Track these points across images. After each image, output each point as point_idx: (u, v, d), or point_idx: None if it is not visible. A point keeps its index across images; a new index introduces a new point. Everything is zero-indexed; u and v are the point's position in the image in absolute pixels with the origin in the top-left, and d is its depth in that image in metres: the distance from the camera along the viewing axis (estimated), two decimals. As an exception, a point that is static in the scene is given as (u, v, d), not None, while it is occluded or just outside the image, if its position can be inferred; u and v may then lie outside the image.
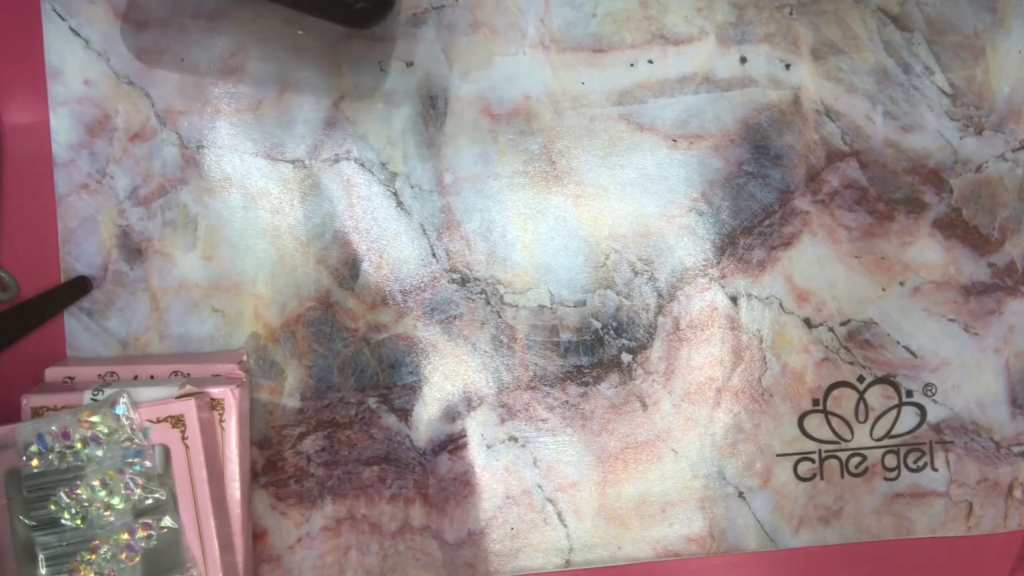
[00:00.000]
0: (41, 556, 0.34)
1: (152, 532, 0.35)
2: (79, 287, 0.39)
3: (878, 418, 0.42)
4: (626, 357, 0.41)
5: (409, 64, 0.40)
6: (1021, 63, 0.41)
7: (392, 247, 0.40)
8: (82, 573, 0.34)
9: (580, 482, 0.41)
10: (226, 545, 0.37)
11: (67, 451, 0.34)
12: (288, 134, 0.40)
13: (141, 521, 0.35)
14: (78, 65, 0.38)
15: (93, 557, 0.34)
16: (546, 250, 0.41)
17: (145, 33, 0.39)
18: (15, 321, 0.38)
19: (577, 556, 0.41)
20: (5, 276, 0.39)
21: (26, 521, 0.34)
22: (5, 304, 0.39)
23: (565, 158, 0.41)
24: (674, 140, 0.41)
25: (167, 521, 0.35)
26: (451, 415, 0.41)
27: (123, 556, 0.34)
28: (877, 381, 0.42)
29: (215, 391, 0.37)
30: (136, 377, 0.38)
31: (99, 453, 0.34)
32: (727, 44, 0.41)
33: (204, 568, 0.36)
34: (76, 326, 0.40)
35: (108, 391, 0.35)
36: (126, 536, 0.34)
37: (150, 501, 0.35)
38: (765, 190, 0.41)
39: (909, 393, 0.42)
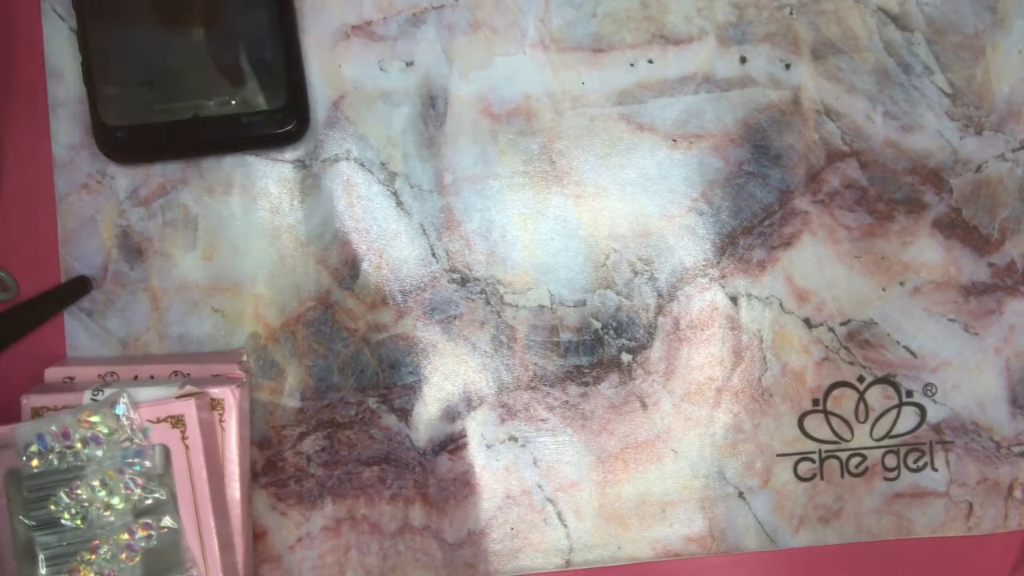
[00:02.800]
0: (41, 556, 0.34)
1: (152, 532, 0.35)
2: (79, 287, 0.39)
3: (878, 418, 0.42)
4: (626, 357, 0.41)
5: (409, 64, 0.40)
6: (1021, 63, 0.41)
7: (392, 247, 0.40)
8: (82, 573, 0.34)
9: (580, 482, 0.41)
10: (226, 545, 0.37)
11: (67, 451, 0.34)
12: (288, 134, 0.40)
13: (141, 521, 0.35)
14: (78, 65, 0.38)
15: (93, 557, 0.34)
16: (546, 250, 0.41)
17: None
18: (15, 321, 0.38)
19: (577, 556, 0.41)
20: (5, 276, 0.39)
21: (26, 521, 0.34)
22: (5, 304, 0.39)
23: (565, 158, 0.41)
24: (674, 140, 0.41)
25: (167, 521, 0.35)
26: (451, 415, 0.41)
27: (123, 556, 0.34)
28: (877, 381, 0.42)
29: (215, 391, 0.37)
30: (136, 377, 0.38)
31: (99, 453, 0.34)
32: (727, 44, 0.41)
33: (204, 568, 0.36)
34: (76, 326, 0.40)
35: (108, 391, 0.35)
36: (126, 536, 0.34)
37: (150, 501, 0.35)
38: (765, 190, 0.41)
39: (909, 393, 0.42)
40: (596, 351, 0.41)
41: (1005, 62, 0.41)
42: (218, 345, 0.40)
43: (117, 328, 0.40)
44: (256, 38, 0.38)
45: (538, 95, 0.40)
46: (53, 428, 0.34)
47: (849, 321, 0.41)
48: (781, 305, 0.41)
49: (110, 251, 0.40)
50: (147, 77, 0.38)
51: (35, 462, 0.34)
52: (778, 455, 0.42)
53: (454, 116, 0.40)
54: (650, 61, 0.41)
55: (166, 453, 0.35)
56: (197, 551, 0.36)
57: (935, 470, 0.42)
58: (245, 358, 0.40)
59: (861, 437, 0.42)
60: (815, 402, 0.42)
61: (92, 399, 0.35)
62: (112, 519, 0.34)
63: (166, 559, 0.35)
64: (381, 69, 0.40)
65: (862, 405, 0.42)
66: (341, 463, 0.40)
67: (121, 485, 0.35)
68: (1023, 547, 0.42)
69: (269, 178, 0.40)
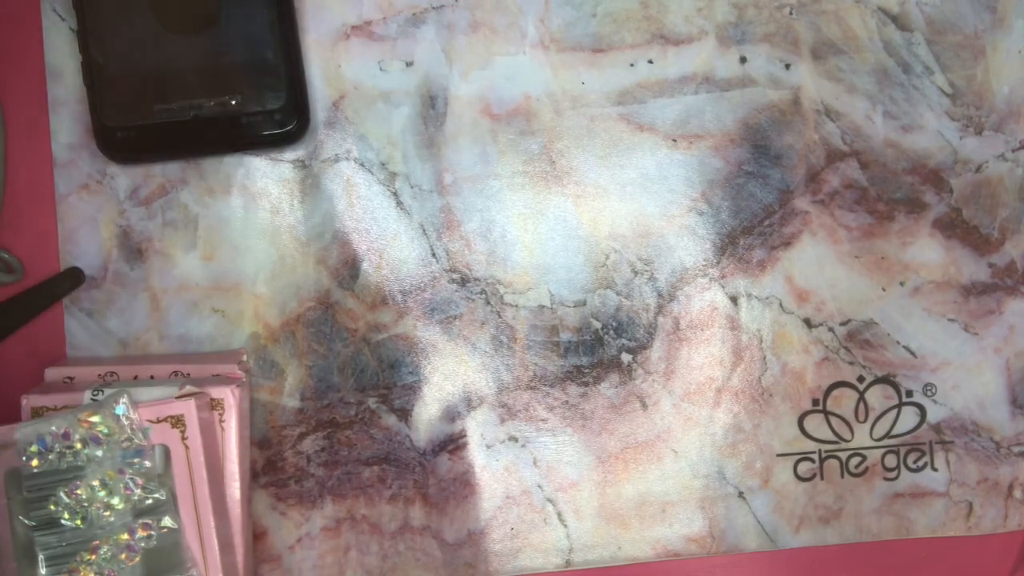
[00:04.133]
0: (41, 556, 0.34)
1: (152, 532, 0.35)
2: (72, 278, 0.39)
3: (878, 418, 0.42)
4: (626, 357, 0.41)
5: (409, 64, 0.40)
6: (1021, 63, 0.41)
7: (392, 247, 0.40)
8: (82, 573, 0.34)
9: (580, 482, 0.41)
10: (226, 545, 0.37)
11: (67, 451, 0.34)
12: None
13: (141, 521, 0.35)
14: (78, 65, 0.38)
15: (93, 557, 0.34)
16: (546, 250, 0.41)
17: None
18: (8, 314, 0.38)
19: (577, 556, 0.41)
20: (10, 258, 0.39)
21: (26, 521, 0.34)
22: (12, 287, 0.39)
23: (565, 158, 0.41)
24: (674, 140, 0.41)
25: (167, 521, 0.35)
26: (451, 415, 0.41)
27: (123, 556, 0.34)
28: (877, 381, 0.42)
29: (215, 391, 0.37)
30: (136, 377, 0.38)
31: (99, 453, 0.34)
32: (727, 44, 0.41)
33: (204, 568, 0.36)
34: (76, 326, 0.40)
35: (108, 391, 0.35)
36: (126, 536, 0.34)
37: (150, 501, 0.35)
38: (765, 190, 0.41)
39: (909, 393, 0.42)
40: (596, 351, 0.41)
41: (1005, 62, 0.41)
42: (218, 345, 0.40)
43: (117, 328, 0.40)
44: (256, 38, 0.38)
45: (538, 95, 0.40)
46: (53, 428, 0.34)
47: (849, 321, 0.41)
48: (781, 305, 0.41)
49: (110, 251, 0.40)
50: (147, 77, 0.38)
51: (35, 462, 0.34)
52: (778, 455, 0.42)
53: (454, 116, 0.40)
54: (650, 61, 0.41)
55: (166, 453, 0.35)
56: (197, 551, 0.36)
57: (935, 470, 0.42)
58: (245, 358, 0.40)
59: (861, 437, 0.42)
60: (815, 402, 0.42)
61: (92, 399, 0.35)
62: (112, 519, 0.34)
63: (166, 559, 0.35)
64: (381, 69, 0.40)
65: (862, 405, 0.42)
66: (341, 463, 0.40)
67: (121, 485, 0.35)
68: (1023, 547, 0.42)
69: (269, 178, 0.40)
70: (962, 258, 0.42)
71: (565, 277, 0.41)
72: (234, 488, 0.37)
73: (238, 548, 0.38)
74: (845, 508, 0.42)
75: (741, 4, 0.41)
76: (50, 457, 0.34)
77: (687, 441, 0.41)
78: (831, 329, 0.41)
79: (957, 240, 0.42)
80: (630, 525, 0.41)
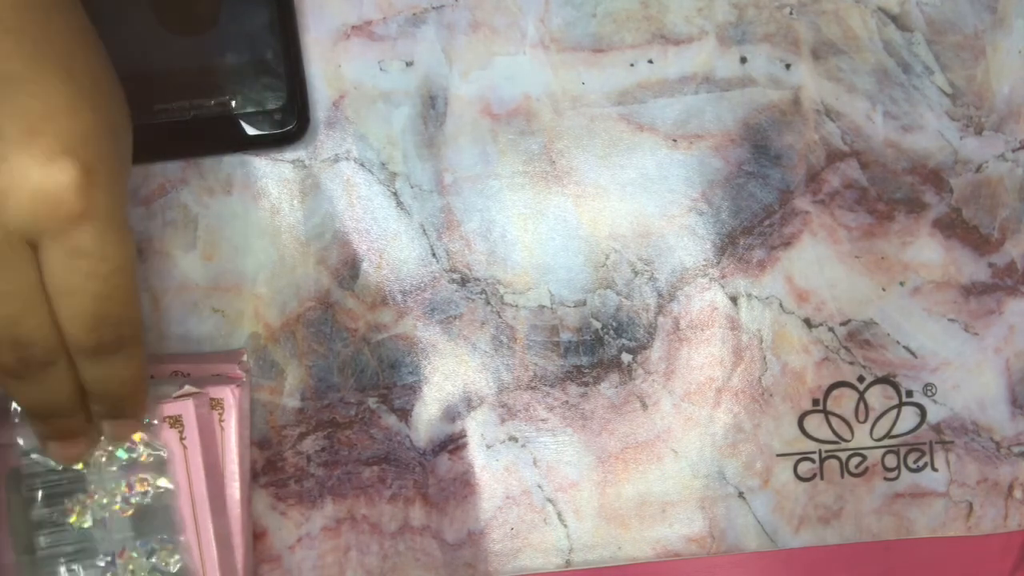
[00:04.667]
0: (40, 491, 0.34)
1: (149, 489, 0.35)
2: None
3: (878, 418, 0.42)
4: (626, 357, 0.41)
5: (409, 64, 0.40)
6: (1021, 63, 0.41)
7: (392, 247, 0.40)
8: (76, 512, 0.34)
9: (580, 482, 0.41)
10: (226, 545, 0.37)
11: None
12: (288, 134, 0.40)
13: (140, 476, 0.35)
14: (78, 65, 0.38)
15: (89, 500, 0.34)
16: (546, 250, 0.41)
17: (145, 33, 0.39)
18: None
19: (577, 556, 0.41)
20: None
21: (26, 460, 0.34)
22: None
23: (565, 158, 0.41)
24: (674, 140, 0.41)
25: (164, 481, 0.35)
26: (451, 415, 0.41)
27: (116, 507, 0.35)
28: (877, 381, 0.42)
29: (215, 391, 0.37)
30: (136, 377, 0.38)
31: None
32: (727, 44, 0.41)
33: (203, 568, 0.36)
34: (76, 326, 0.40)
35: (108, 391, 0.35)
36: (124, 488, 0.35)
37: (152, 459, 0.35)
38: (765, 190, 0.41)
39: (909, 393, 0.42)
40: (596, 351, 0.41)
41: (1005, 62, 0.41)
42: (218, 345, 0.40)
43: (117, 328, 0.40)
44: (256, 38, 0.38)
45: (538, 95, 0.40)
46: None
47: (849, 321, 0.41)
48: (781, 305, 0.41)
49: (110, 251, 0.40)
50: (147, 77, 0.38)
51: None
52: (778, 455, 0.42)
53: (454, 116, 0.40)
54: (650, 61, 0.41)
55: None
56: (196, 551, 0.36)
57: (935, 470, 0.42)
58: (245, 358, 0.40)
59: (861, 437, 0.42)
60: (815, 402, 0.42)
61: (92, 399, 0.35)
62: (113, 468, 0.35)
63: (159, 518, 0.35)
64: (381, 69, 0.40)
65: (862, 405, 0.42)
66: (341, 463, 0.40)
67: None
68: (1023, 547, 0.42)
69: (269, 178, 0.40)
70: (962, 258, 0.42)
71: (565, 277, 0.41)
72: (234, 488, 0.37)
73: (238, 548, 0.38)
74: (845, 508, 0.42)
75: (741, 4, 0.41)
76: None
77: (687, 441, 0.41)
78: (831, 329, 0.41)
79: (957, 240, 0.42)
80: (630, 525, 0.41)
